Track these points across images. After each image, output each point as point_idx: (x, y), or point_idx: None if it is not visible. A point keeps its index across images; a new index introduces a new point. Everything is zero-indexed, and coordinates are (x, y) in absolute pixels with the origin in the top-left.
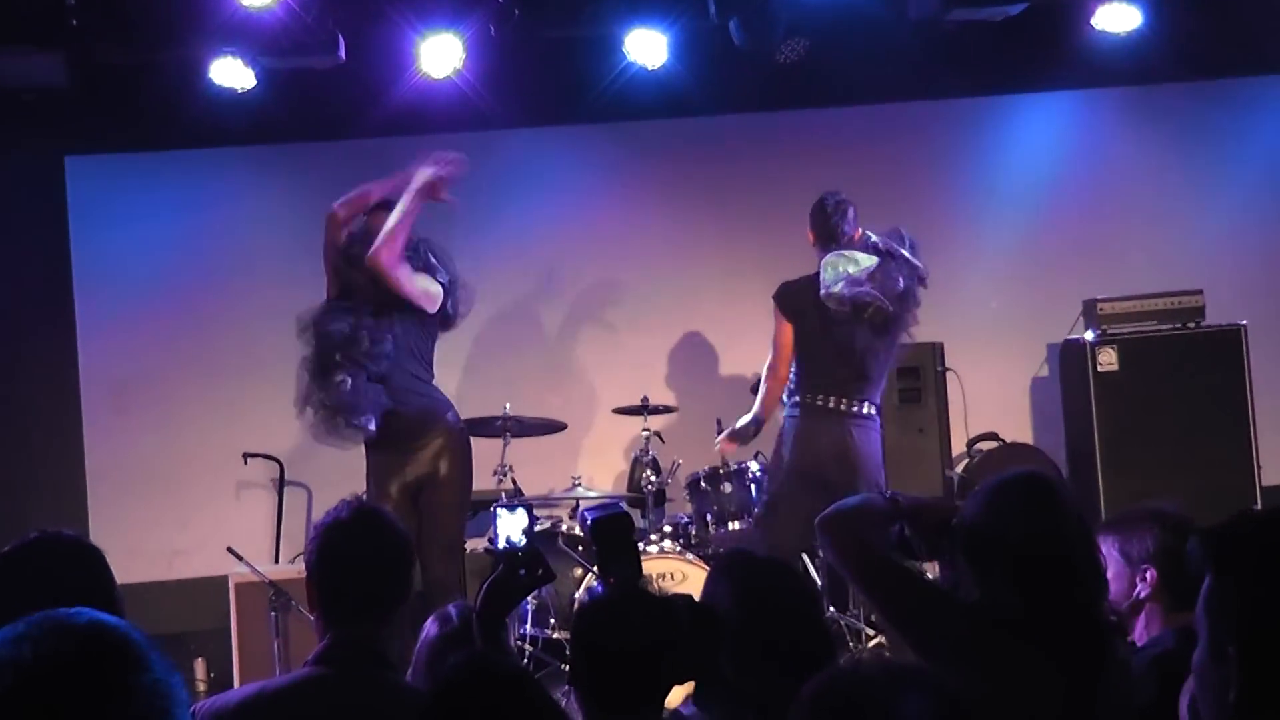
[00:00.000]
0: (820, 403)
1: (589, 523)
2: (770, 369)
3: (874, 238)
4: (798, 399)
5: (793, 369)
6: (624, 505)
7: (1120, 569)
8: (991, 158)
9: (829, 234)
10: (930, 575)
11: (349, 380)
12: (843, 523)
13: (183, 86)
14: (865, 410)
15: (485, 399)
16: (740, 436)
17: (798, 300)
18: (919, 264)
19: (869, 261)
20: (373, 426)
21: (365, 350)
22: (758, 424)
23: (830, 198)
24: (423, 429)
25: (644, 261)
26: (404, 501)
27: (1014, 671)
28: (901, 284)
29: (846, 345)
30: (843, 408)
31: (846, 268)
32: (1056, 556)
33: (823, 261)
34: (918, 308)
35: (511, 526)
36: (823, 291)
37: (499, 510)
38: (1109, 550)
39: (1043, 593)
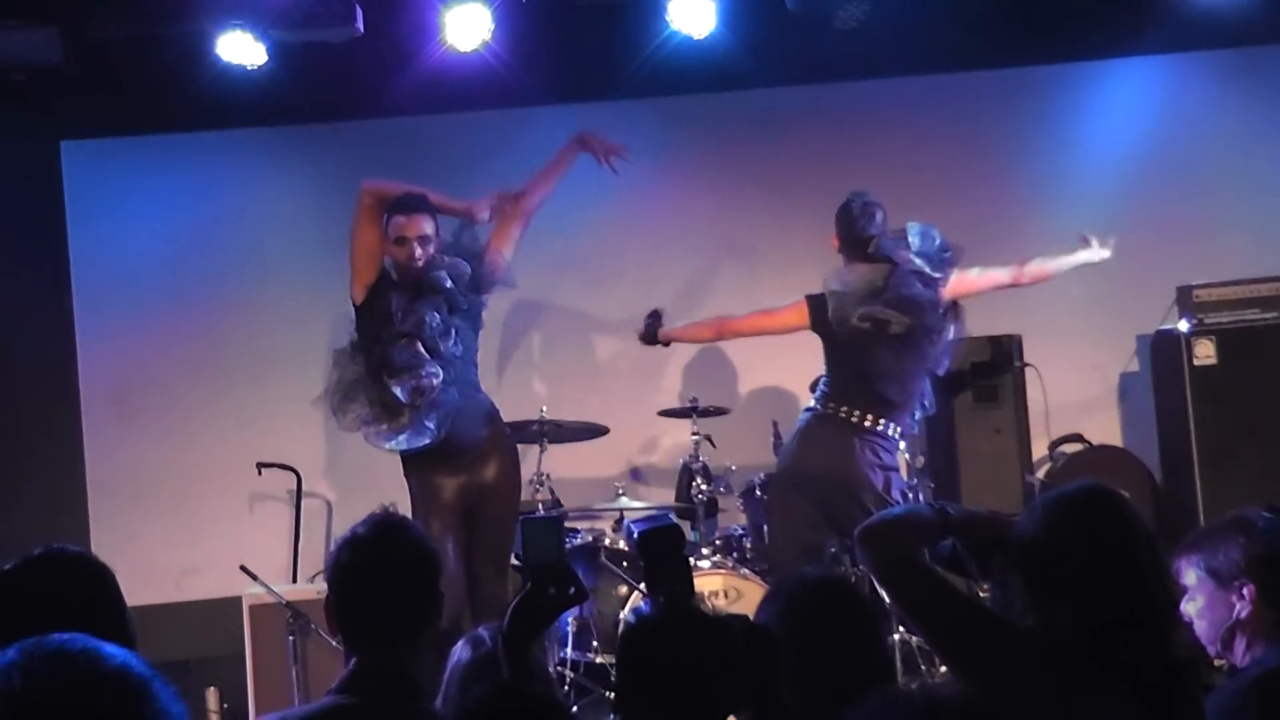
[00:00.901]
0: (831, 411)
1: (635, 536)
2: (731, 318)
3: (883, 246)
4: (817, 406)
5: (824, 377)
6: (673, 517)
7: (1212, 592)
8: (1070, 130)
9: (855, 240)
10: (984, 597)
11: (440, 373)
12: (885, 535)
13: (187, 64)
14: (885, 430)
15: (519, 401)
16: (648, 334)
17: (821, 315)
18: (929, 268)
19: (878, 275)
20: (441, 432)
21: (450, 348)
22: (663, 338)
23: (857, 199)
24: (475, 438)
25: (691, 250)
26: (455, 517)
27: (1074, 705)
28: (917, 290)
29: (867, 369)
30: (854, 420)
31: (854, 281)
32: (1123, 578)
33: (827, 292)
34: (944, 310)
35: (539, 538)
36: (830, 318)
37: (523, 521)
38: (1195, 572)
39: (1108, 618)
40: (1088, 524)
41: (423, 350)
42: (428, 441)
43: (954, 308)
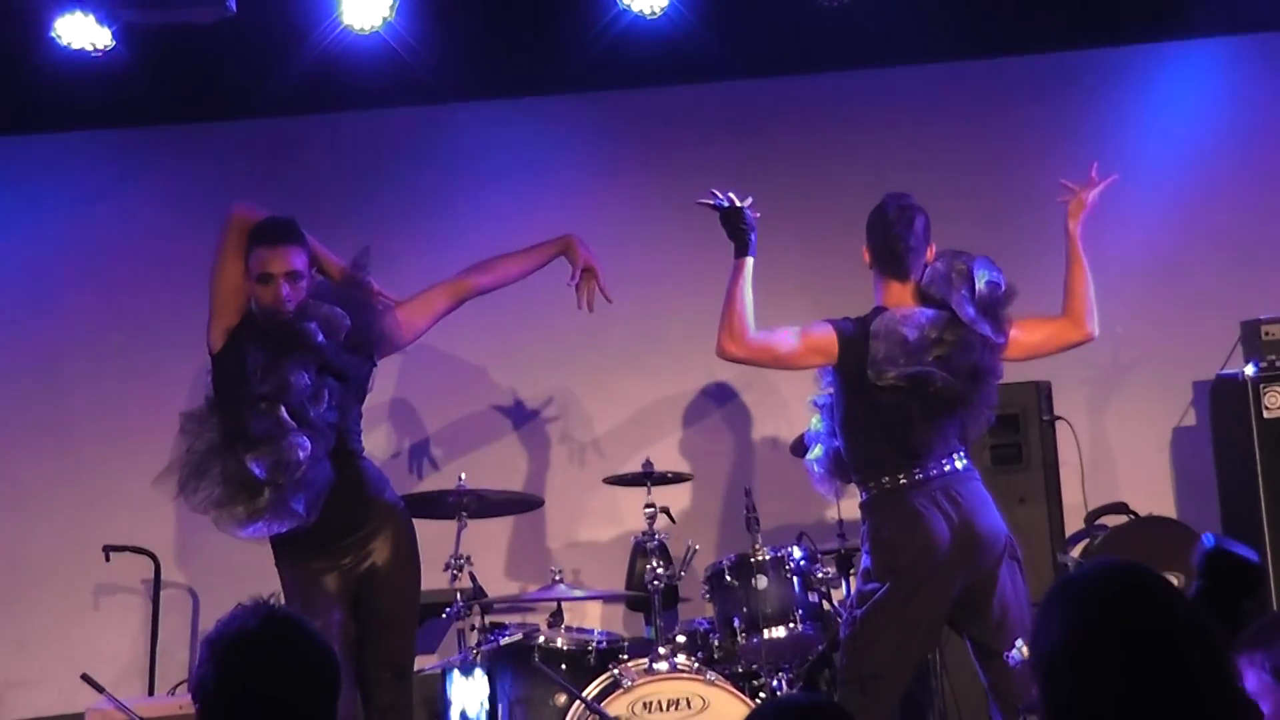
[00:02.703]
0: (891, 485)
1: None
2: (745, 329)
3: (935, 286)
4: (862, 484)
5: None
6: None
7: (1278, 699)
8: (1107, 131)
9: (890, 253)
10: None
11: (308, 444)
12: None
13: (17, 50)
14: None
15: (431, 468)
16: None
17: (853, 356)
18: (991, 331)
19: (935, 326)
20: (312, 515)
21: (322, 414)
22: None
23: (893, 202)
24: (358, 515)
25: (645, 278)
26: (341, 612)
27: None
28: (976, 355)
29: (904, 433)
30: (923, 475)
31: (904, 333)
32: (1173, 683)
33: (872, 328)
34: (997, 381)
35: (468, 697)
36: (870, 372)
37: (451, 672)
38: (1258, 675)
39: None
40: (1122, 614)
41: (286, 417)
42: (294, 526)
43: None
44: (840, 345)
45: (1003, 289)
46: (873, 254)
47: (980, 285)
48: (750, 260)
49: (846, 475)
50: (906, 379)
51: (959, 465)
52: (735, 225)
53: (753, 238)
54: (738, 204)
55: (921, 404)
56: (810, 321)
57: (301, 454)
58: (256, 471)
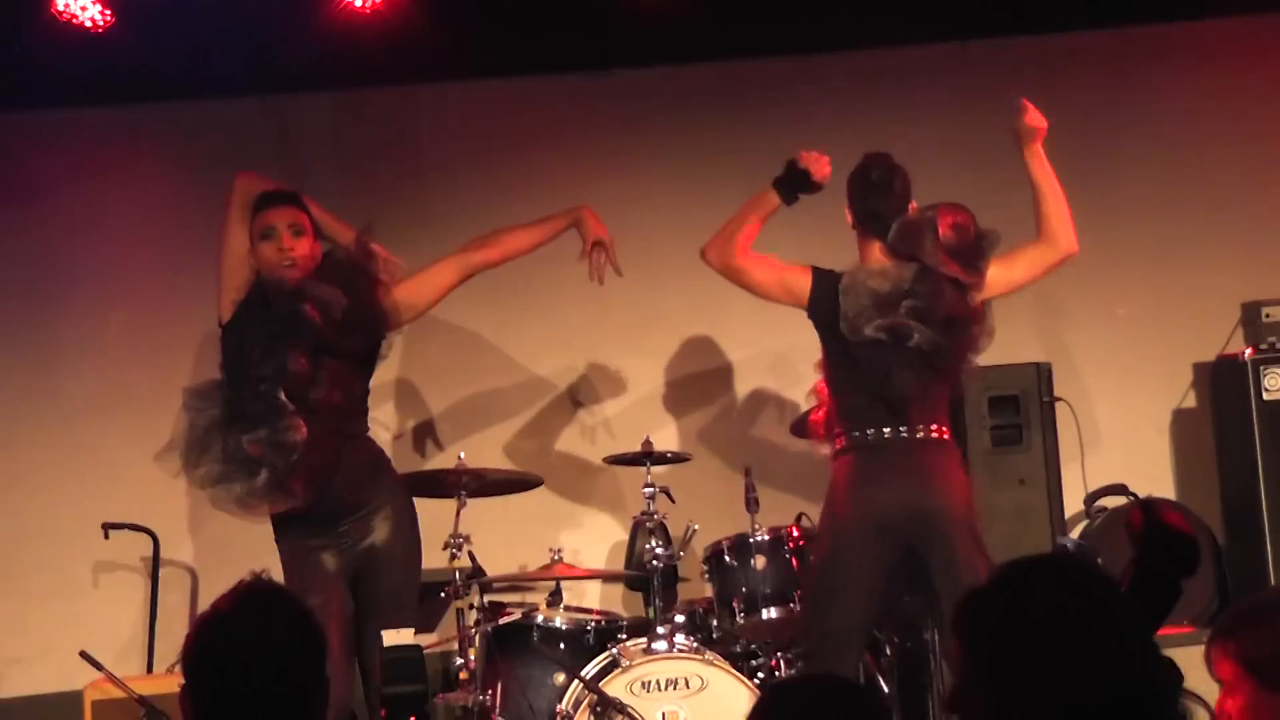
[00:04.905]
0: (870, 436)
1: None
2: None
3: (903, 239)
4: (840, 434)
5: (832, 407)
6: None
7: (1254, 692)
8: (1105, 109)
9: (870, 214)
10: None
11: (305, 427)
12: None
13: (16, 26)
14: (936, 434)
15: (431, 447)
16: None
17: (825, 308)
18: (963, 268)
19: (904, 275)
20: (311, 495)
21: (321, 396)
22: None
23: (872, 162)
24: (359, 495)
25: (644, 260)
26: (339, 591)
27: None
28: (950, 302)
29: (888, 391)
30: (904, 434)
31: (874, 287)
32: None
33: (841, 285)
34: (979, 326)
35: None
36: (843, 325)
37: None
38: (1233, 664)
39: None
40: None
41: (284, 400)
42: (291, 507)
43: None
44: (812, 293)
45: (972, 230)
46: (854, 215)
47: (946, 231)
48: (778, 204)
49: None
50: (885, 332)
51: (933, 434)
52: (796, 186)
53: (794, 199)
54: (812, 177)
55: (902, 358)
56: (795, 263)
57: (297, 437)
58: (253, 452)
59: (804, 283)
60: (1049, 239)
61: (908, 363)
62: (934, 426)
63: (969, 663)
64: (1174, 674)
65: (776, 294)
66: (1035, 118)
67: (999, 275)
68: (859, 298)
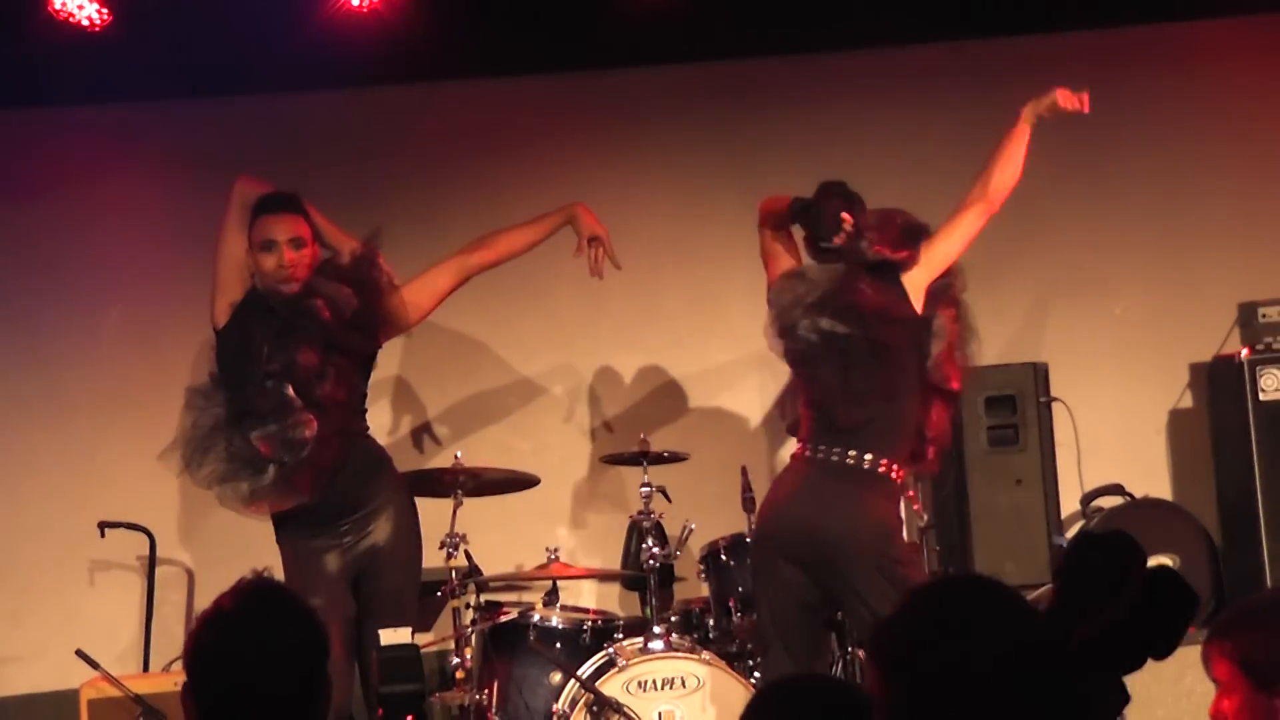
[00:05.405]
0: (809, 453)
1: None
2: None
3: (826, 238)
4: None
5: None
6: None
7: (1250, 694)
8: (1102, 109)
9: (816, 240)
10: None
11: (314, 423)
12: None
13: (15, 23)
14: (866, 466)
15: (428, 445)
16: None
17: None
18: (889, 251)
19: (829, 277)
20: (316, 493)
21: (328, 392)
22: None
23: (826, 191)
24: (360, 494)
25: (643, 258)
26: (340, 590)
27: None
28: (867, 296)
29: (818, 394)
30: (834, 460)
31: (796, 291)
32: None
33: (769, 298)
34: (914, 315)
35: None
36: (772, 337)
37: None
38: (1226, 665)
39: None
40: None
41: (293, 395)
42: (298, 503)
43: (945, 298)
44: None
45: (897, 217)
46: (805, 241)
47: (867, 222)
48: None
49: None
50: (816, 335)
51: (849, 461)
52: (802, 218)
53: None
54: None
55: (836, 365)
56: (788, 266)
57: (308, 432)
58: (262, 449)
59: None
60: (989, 197)
61: (845, 370)
62: (868, 456)
63: (888, 693)
64: (1119, 696)
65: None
66: (1067, 100)
67: (935, 253)
68: (782, 307)
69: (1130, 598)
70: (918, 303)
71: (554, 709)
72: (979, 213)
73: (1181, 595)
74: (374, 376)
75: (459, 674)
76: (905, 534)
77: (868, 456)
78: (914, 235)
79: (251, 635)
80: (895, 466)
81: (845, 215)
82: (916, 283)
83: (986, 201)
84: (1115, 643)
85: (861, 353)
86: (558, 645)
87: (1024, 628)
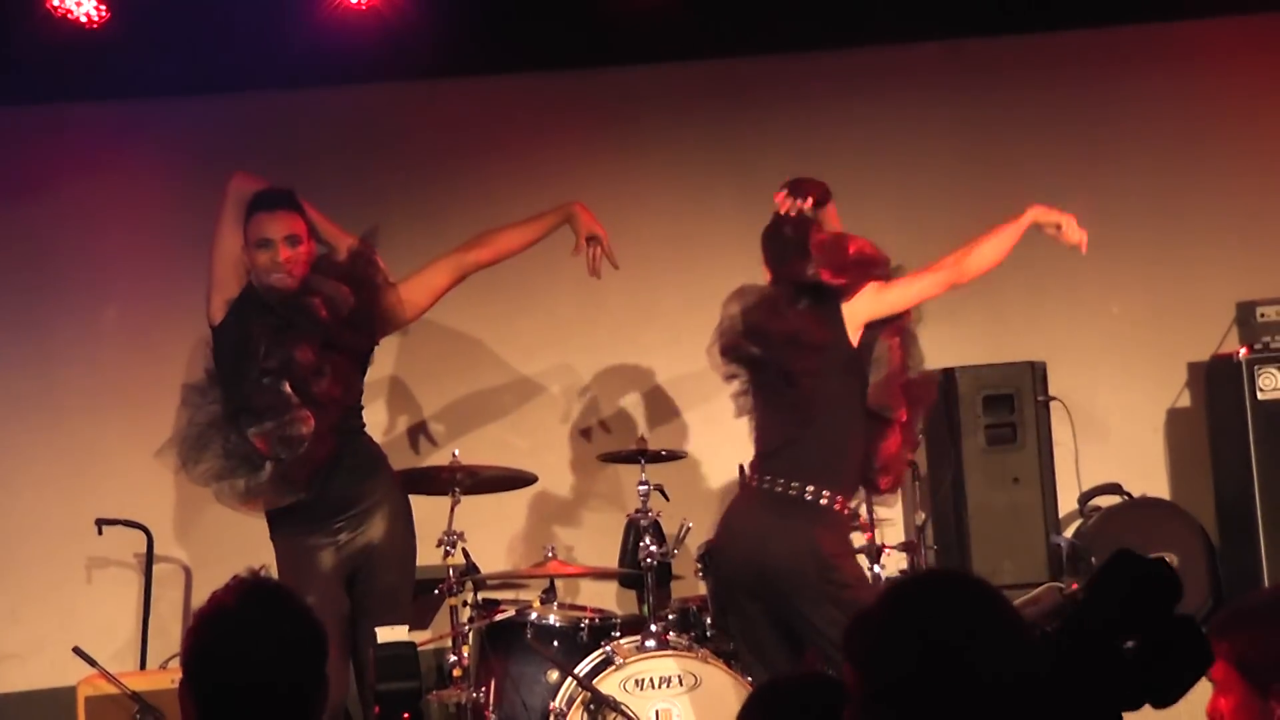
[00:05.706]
0: (755, 483)
1: None
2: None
3: (775, 262)
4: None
5: None
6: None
7: (1245, 694)
8: (1100, 109)
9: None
10: None
11: (311, 420)
12: None
13: (11, 20)
14: (805, 497)
15: (425, 444)
16: None
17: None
18: (826, 272)
19: (758, 296)
20: (312, 490)
21: (325, 390)
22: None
23: (778, 223)
24: (355, 491)
25: (640, 257)
26: (335, 588)
27: None
28: (777, 323)
29: (755, 413)
30: (778, 490)
31: (730, 311)
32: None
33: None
34: (846, 343)
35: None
36: (714, 357)
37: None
38: (1222, 665)
39: None
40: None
41: (290, 392)
42: (294, 500)
43: (889, 327)
44: None
45: (854, 244)
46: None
47: (821, 238)
48: None
49: None
50: (743, 358)
51: (777, 488)
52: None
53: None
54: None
55: (766, 393)
56: None
57: (304, 429)
58: (259, 446)
59: None
60: (961, 271)
61: (771, 399)
62: (809, 488)
63: (862, 688)
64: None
65: None
66: (1071, 232)
67: (879, 298)
68: (721, 332)
69: (1152, 636)
70: (854, 333)
71: (551, 707)
72: (944, 280)
73: (1198, 649)
74: (371, 375)
75: (456, 672)
76: (854, 558)
77: (809, 489)
78: (865, 266)
79: (251, 633)
80: (839, 498)
81: (777, 195)
82: (856, 313)
83: (958, 272)
84: (1120, 678)
85: (772, 376)
86: (555, 643)
87: (999, 624)
